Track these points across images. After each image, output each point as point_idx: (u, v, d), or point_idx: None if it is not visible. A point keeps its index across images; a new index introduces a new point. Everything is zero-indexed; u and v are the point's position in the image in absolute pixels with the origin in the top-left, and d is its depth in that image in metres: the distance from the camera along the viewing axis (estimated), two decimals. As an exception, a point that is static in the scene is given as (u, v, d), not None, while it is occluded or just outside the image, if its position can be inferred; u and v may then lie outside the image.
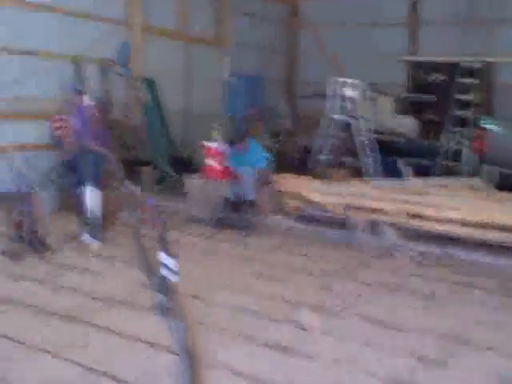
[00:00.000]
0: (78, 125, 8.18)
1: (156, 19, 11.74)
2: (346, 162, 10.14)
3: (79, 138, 8.12)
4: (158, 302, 3.91)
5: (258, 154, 8.42)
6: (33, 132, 9.71)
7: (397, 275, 6.41)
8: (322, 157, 10.28)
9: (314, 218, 8.18)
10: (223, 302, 5.41)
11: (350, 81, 10.28)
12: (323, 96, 11.19)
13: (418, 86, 13.96)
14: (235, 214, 8.23)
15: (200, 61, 12.61)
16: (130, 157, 11.10)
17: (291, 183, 8.56)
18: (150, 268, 3.45)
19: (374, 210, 7.63)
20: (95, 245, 7.09)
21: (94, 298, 5.44)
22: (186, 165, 10.68)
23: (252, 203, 8.23)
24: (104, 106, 9.16)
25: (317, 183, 8.43)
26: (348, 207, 7.78)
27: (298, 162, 12.60)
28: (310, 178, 8.92)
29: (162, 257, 3.76)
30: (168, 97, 11.85)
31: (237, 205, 8.33)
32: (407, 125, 13.34)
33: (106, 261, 6.55)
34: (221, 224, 8.16)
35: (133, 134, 11.28)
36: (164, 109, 11.65)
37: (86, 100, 8.12)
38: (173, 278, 3.61)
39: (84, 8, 10.33)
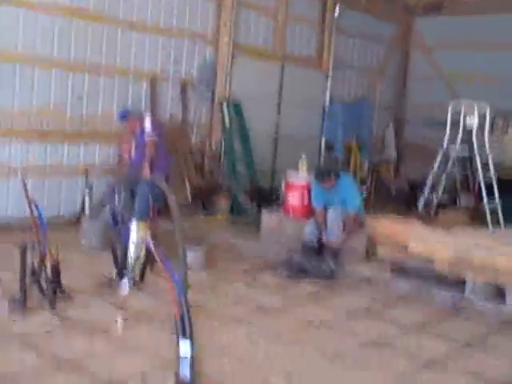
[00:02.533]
0: (135, 152, 7.02)
1: (247, 37, 10.50)
2: (464, 204, 8.19)
3: (133, 165, 6.94)
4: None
5: (350, 192, 6.80)
6: (99, 154, 8.74)
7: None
8: (435, 197, 8.40)
9: (415, 273, 6.42)
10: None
11: (475, 105, 8.27)
12: (439, 123, 9.42)
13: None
14: (313, 261, 6.61)
15: (297, 84, 11.17)
16: (205, 184, 9.86)
17: (389, 227, 6.81)
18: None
19: (497, 270, 5.76)
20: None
21: None
22: (268, 197, 9.22)
23: (335, 248, 6.58)
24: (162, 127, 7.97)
25: (423, 229, 6.62)
26: (460, 263, 5.95)
27: (405, 200, 10.81)
28: (416, 220, 7.11)
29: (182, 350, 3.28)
30: (257, 122, 10.49)
31: (316, 250, 6.71)
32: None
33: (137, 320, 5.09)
34: (295, 271, 6.56)
35: (211, 159, 10.02)
36: (249, 135, 10.29)
37: (147, 124, 6.91)
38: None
39: (165, 22, 9.29)
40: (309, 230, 6.76)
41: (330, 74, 11.76)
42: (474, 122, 8.01)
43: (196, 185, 9.66)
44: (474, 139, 8.06)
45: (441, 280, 6.16)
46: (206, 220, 9.06)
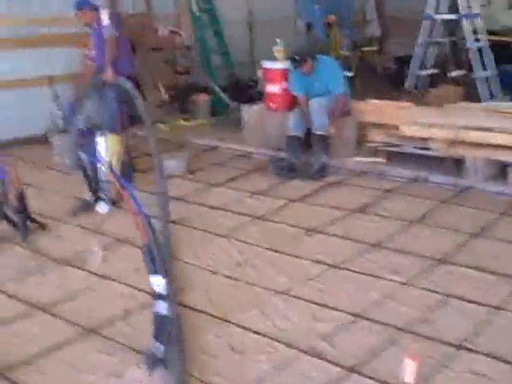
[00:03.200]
0: (94, 51, 6.30)
1: None
2: (457, 78, 7.59)
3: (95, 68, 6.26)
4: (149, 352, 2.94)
5: (332, 75, 6.20)
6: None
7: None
8: (424, 72, 7.76)
9: (412, 159, 6.03)
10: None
11: None
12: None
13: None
14: (301, 155, 6.18)
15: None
16: (182, 83, 9.21)
17: (378, 110, 6.33)
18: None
19: (498, 147, 5.36)
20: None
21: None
22: (249, 91, 8.63)
23: (323, 139, 6.11)
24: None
25: (414, 109, 6.13)
26: (460, 143, 5.54)
27: (392, 79, 10.19)
28: (407, 102, 6.59)
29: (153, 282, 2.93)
30: (228, 7, 9.68)
31: (303, 142, 6.25)
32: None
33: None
34: (284, 170, 6.14)
35: (184, 55, 9.30)
36: (221, 22, 9.49)
37: (105, 17, 6.14)
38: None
39: None
40: (293, 121, 6.24)
41: None
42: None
43: (171, 84, 9.01)
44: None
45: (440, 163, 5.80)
46: (184, 124, 8.50)
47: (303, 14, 10.95)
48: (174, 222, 4.76)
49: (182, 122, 8.55)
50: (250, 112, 7.23)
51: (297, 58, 6.07)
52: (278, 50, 6.89)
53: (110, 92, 6.10)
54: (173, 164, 6.41)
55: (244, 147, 7.15)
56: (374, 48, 11.38)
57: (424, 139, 5.75)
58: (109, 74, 5.95)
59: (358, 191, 5.68)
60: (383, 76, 11.07)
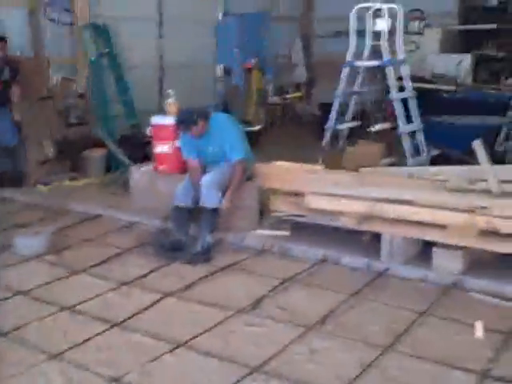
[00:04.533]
0: None
1: None
2: (378, 130, 6.61)
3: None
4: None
5: (229, 136, 5.06)
6: None
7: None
8: (342, 125, 6.75)
9: (322, 231, 4.99)
10: None
11: (385, 6, 6.56)
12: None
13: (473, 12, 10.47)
14: (185, 232, 5.08)
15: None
16: (74, 135, 8.02)
17: (285, 176, 5.28)
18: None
19: (421, 224, 4.35)
20: None
21: None
22: (145, 148, 7.48)
23: (212, 215, 4.98)
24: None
25: (327, 176, 5.09)
26: (373, 219, 4.52)
27: (315, 128, 9.25)
28: (319, 163, 5.56)
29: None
30: (135, 50, 8.63)
31: (191, 215, 5.13)
32: (461, 68, 9.88)
33: None
34: (165, 248, 5.01)
35: (78, 104, 8.13)
36: (121, 67, 8.38)
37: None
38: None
39: None
40: (181, 188, 5.11)
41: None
42: (383, 25, 6.38)
43: (60, 137, 7.80)
44: (382, 44, 6.42)
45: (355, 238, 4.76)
46: (70, 185, 7.28)
47: (222, 58, 10.05)
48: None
49: (67, 183, 7.33)
50: (137, 174, 6.09)
51: (185, 119, 4.97)
52: (170, 103, 5.82)
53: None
54: (32, 243, 5.20)
55: (129, 216, 5.99)
56: (299, 94, 10.49)
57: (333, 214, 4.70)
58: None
59: (252, 279, 4.56)
60: (307, 125, 10.17)
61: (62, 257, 5.11)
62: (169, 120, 5.56)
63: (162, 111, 9.04)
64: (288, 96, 10.12)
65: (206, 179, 4.95)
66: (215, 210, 4.95)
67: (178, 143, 5.48)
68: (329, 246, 4.88)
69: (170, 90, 5.96)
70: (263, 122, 9.21)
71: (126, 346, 3.56)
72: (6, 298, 4.25)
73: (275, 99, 9.77)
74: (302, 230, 5.17)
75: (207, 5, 9.77)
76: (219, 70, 10.01)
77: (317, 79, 11.68)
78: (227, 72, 10.13)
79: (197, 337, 3.62)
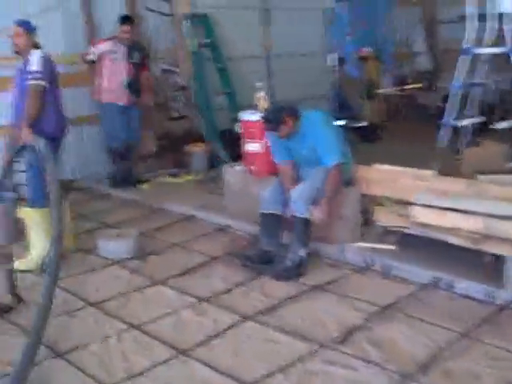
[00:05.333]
0: (14, 99, 4.90)
1: None
2: (502, 129, 5.69)
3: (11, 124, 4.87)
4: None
5: (321, 141, 4.39)
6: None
7: None
8: (462, 122, 5.85)
9: (433, 247, 4.26)
10: None
11: None
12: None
13: None
14: (277, 240, 4.56)
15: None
16: (175, 130, 7.74)
17: (390, 181, 4.60)
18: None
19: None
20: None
21: None
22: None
23: (304, 225, 4.40)
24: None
25: (439, 184, 4.34)
26: (493, 238, 3.75)
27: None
28: (432, 167, 4.79)
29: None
30: (238, 40, 8.21)
31: (281, 224, 4.58)
32: None
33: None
34: (253, 260, 4.53)
35: (180, 97, 7.83)
36: (224, 58, 7.99)
37: (34, 59, 4.73)
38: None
39: None
40: (269, 193, 4.58)
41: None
42: (507, 5, 5.43)
43: (163, 132, 7.55)
44: (506, 28, 5.48)
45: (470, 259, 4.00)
46: (170, 182, 7.00)
47: (334, 47, 9.36)
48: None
49: (168, 179, 7.05)
50: (231, 174, 5.64)
51: (270, 118, 4.43)
52: (260, 97, 5.30)
53: (30, 156, 4.73)
54: (115, 247, 4.92)
55: (221, 219, 5.58)
56: (419, 85, 9.58)
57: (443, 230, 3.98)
58: (24, 134, 4.55)
59: (346, 303, 3.94)
60: (431, 118, 9.23)
61: (146, 263, 4.79)
62: (259, 116, 5.04)
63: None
64: (406, 87, 9.26)
65: (296, 192, 4.36)
66: (308, 220, 4.38)
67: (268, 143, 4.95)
68: (441, 265, 4.13)
69: (259, 83, 5.46)
70: (372, 117, 8.44)
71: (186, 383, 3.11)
72: (76, 310, 3.97)
73: (391, 91, 8.96)
74: (411, 243, 4.46)
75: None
76: (330, 59, 9.35)
77: (442, 68, 10.67)
78: (340, 61, 9.47)
79: (269, 376, 3.09)
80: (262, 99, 5.26)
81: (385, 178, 4.62)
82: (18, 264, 4.59)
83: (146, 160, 7.34)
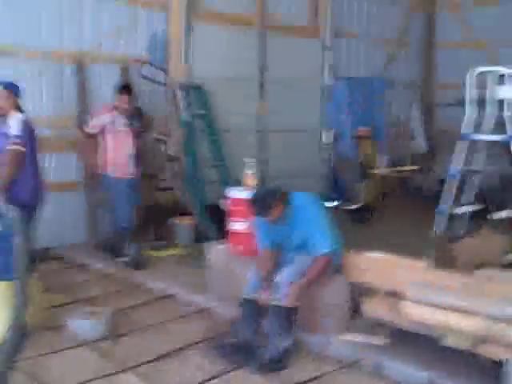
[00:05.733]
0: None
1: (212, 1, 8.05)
2: (504, 217, 5.48)
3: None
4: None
5: (311, 225, 4.19)
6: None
7: None
8: (458, 209, 5.64)
9: (426, 343, 3.94)
10: None
11: (509, 71, 5.51)
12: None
13: None
14: (257, 329, 4.24)
15: (284, 57, 8.67)
16: (162, 200, 7.50)
17: (380, 270, 4.33)
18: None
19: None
20: None
21: None
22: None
23: (287, 313, 4.09)
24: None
25: (433, 276, 4.06)
26: (495, 341, 3.45)
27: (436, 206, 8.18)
28: (427, 257, 4.53)
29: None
30: (233, 112, 8.08)
31: (260, 312, 4.27)
32: None
33: None
34: (230, 351, 4.19)
35: (169, 166, 7.63)
36: (218, 129, 7.86)
37: (13, 123, 4.55)
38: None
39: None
40: (253, 278, 4.30)
41: (329, 43, 9.17)
42: (507, 93, 5.31)
43: (149, 203, 7.29)
44: (506, 115, 5.35)
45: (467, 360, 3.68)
46: (152, 255, 6.70)
47: (329, 123, 9.32)
48: None
49: (150, 252, 6.76)
50: (214, 252, 5.36)
51: (259, 201, 4.19)
52: (248, 174, 5.09)
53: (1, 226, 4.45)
54: (88, 326, 4.58)
55: (202, 300, 5.27)
56: (415, 167, 9.46)
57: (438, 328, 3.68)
58: (-5, 198, 4.31)
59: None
60: (426, 202, 9.05)
61: (118, 345, 4.45)
62: (246, 194, 4.81)
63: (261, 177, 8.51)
64: (402, 169, 9.12)
65: (281, 277, 4.09)
66: (293, 309, 4.08)
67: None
68: (436, 366, 3.81)
69: (248, 159, 5.24)
70: (366, 198, 8.26)
71: None
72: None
73: (387, 172, 8.82)
74: (403, 338, 4.15)
75: (314, 67, 9.10)
76: (326, 136, 9.29)
77: (438, 151, 10.60)
78: (334, 138, 9.40)
79: None
80: (249, 176, 5.04)
81: (375, 266, 4.35)
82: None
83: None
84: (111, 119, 6.29)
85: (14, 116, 4.59)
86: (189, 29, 7.63)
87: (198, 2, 7.77)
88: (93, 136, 6.35)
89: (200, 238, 6.95)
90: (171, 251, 6.83)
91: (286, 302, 4.04)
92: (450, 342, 3.64)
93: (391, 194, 8.67)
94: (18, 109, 4.75)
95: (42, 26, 6.70)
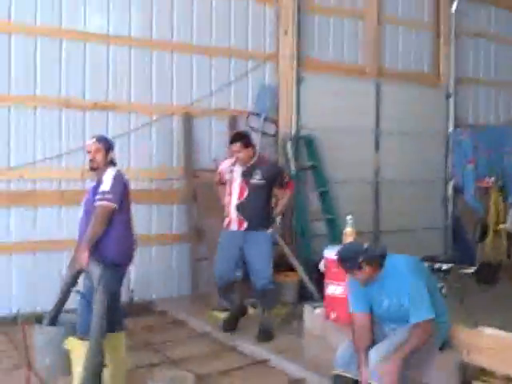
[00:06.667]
0: (82, 219, 4.60)
1: (321, 49, 7.82)
2: None
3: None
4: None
5: (405, 291, 3.62)
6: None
7: None
8: None
9: None
10: None
11: None
12: None
13: None
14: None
15: (402, 105, 8.21)
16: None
17: (498, 351, 3.68)
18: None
19: None
20: None
21: None
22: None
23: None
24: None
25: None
26: None
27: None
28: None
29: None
30: (345, 163, 7.72)
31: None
32: None
33: None
34: None
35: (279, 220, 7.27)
36: (327, 181, 7.48)
37: (108, 178, 4.46)
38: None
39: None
40: (342, 352, 3.80)
41: (452, 89, 8.57)
42: None
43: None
44: None
45: None
46: (251, 313, 6.33)
47: (454, 174, 8.66)
48: None
49: (250, 310, 6.38)
50: (310, 317, 4.91)
51: (343, 258, 3.74)
52: (347, 232, 4.63)
53: (87, 281, 4.35)
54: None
55: (297, 369, 4.79)
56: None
57: None
58: (80, 258, 4.19)
59: None
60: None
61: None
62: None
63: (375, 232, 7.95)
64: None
65: (376, 353, 3.57)
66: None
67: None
68: None
69: (349, 216, 4.76)
70: (490, 256, 7.45)
71: None
72: None
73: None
74: None
75: (435, 116, 8.51)
76: (449, 187, 8.63)
77: None
78: (459, 190, 8.68)
79: None
80: (349, 234, 4.58)
81: (490, 345, 3.70)
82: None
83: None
84: (228, 166, 5.89)
85: (107, 171, 4.50)
86: (298, 79, 7.43)
87: (308, 51, 7.59)
88: (224, 184, 5.97)
89: (304, 296, 6.54)
90: (274, 310, 6.43)
91: (386, 383, 3.50)
92: None
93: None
94: (112, 163, 4.66)
95: (153, 83, 6.77)
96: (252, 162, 5.75)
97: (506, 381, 3.59)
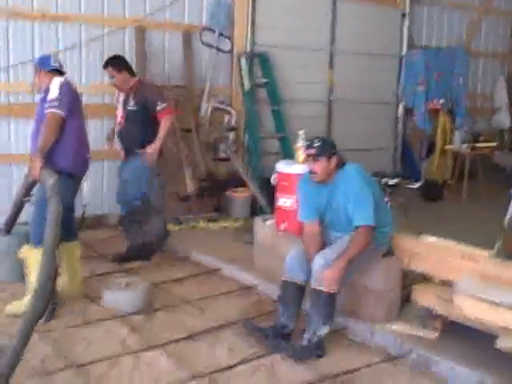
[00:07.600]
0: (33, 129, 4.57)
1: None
2: None
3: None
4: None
5: (356, 193, 3.80)
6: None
7: None
8: None
9: (484, 339, 3.51)
10: None
11: None
12: None
13: None
14: (296, 314, 3.95)
15: (358, 24, 8.18)
16: (221, 172, 7.27)
17: (433, 257, 3.91)
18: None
19: None
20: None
21: None
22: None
23: (327, 300, 3.75)
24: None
25: (491, 267, 3.60)
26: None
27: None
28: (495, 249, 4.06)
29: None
30: (299, 82, 7.72)
31: (301, 296, 3.96)
32: None
33: None
34: (260, 330, 3.93)
35: (229, 136, 7.34)
36: (281, 101, 7.50)
37: (54, 86, 4.37)
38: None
39: None
40: (292, 258, 3.98)
41: (408, 10, 8.58)
42: None
43: (204, 174, 7.05)
44: None
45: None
46: (204, 227, 6.50)
47: (404, 96, 8.78)
48: None
49: (202, 224, 6.56)
50: (261, 229, 5.07)
51: (314, 146, 3.84)
52: (299, 147, 4.72)
53: (38, 192, 4.36)
54: (122, 298, 4.42)
55: (247, 277, 5.01)
56: (493, 144, 8.76)
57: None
58: (34, 168, 4.16)
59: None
60: (508, 180, 8.36)
61: (150, 321, 4.26)
62: (296, 169, 4.46)
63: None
64: (481, 145, 8.45)
65: (320, 258, 3.75)
66: (333, 294, 3.74)
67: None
68: (491, 366, 3.38)
69: (301, 131, 4.84)
70: (436, 175, 7.74)
71: None
72: (55, 371, 3.47)
73: (462, 148, 8.19)
74: (458, 332, 3.74)
75: (388, 36, 8.52)
76: (400, 108, 8.78)
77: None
78: (409, 112, 8.85)
79: None
80: (300, 150, 4.68)
81: (432, 252, 3.93)
82: (9, 307, 4.22)
83: (183, 201, 6.87)
84: (117, 96, 5.71)
85: (53, 79, 4.42)
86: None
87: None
88: None
89: (256, 211, 6.70)
90: (225, 223, 6.61)
91: (325, 286, 3.70)
92: (505, 346, 3.19)
93: (465, 172, 8.05)
94: (59, 72, 4.57)
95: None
96: (130, 88, 5.49)
97: (443, 284, 3.83)
